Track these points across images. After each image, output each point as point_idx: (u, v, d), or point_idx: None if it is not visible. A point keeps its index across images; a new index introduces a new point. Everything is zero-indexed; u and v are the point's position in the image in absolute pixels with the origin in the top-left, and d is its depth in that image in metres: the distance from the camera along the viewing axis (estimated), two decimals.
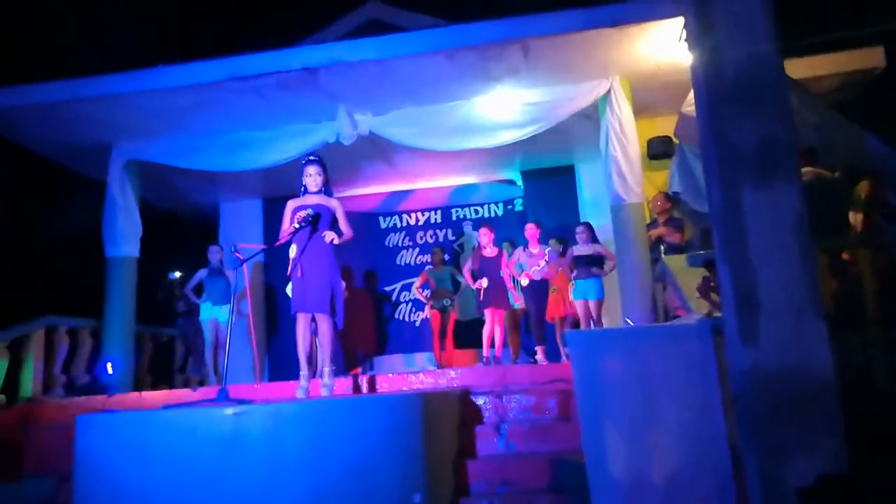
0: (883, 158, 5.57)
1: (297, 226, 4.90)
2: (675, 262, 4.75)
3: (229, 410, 3.71)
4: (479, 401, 4.87)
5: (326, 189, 5.18)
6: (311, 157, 5.24)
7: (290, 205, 5.11)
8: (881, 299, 3.84)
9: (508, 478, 4.16)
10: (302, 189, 5.16)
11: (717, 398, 3.29)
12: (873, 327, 3.76)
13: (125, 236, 7.62)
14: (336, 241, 5.00)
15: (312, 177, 5.11)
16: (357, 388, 5.45)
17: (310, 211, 4.95)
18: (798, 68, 6.80)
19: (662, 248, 6.99)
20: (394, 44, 6.39)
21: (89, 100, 6.90)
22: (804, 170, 4.89)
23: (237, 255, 4.75)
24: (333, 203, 5.13)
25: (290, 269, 5.02)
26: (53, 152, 8.15)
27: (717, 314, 3.52)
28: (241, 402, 4.08)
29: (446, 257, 8.77)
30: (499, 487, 4.13)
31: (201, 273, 7.86)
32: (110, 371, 7.07)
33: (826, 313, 2.97)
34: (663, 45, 6.39)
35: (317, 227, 4.97)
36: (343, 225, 5.13)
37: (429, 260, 9.00)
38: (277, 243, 5.12)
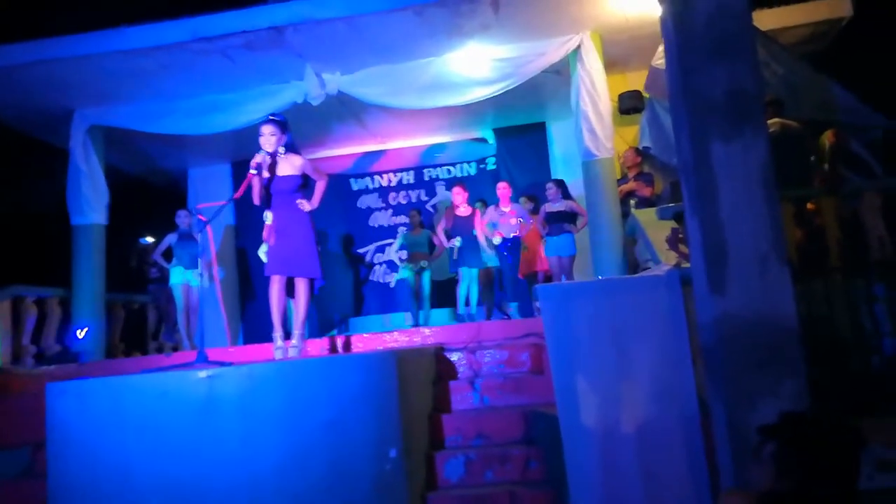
0: (849, 109, 5.63)
1: (253, 171, 4.78)
2: (645, 216, 4.77)
3: (202, 374, 3.70)
4: (454, 357, 4.91)
5: (291, 148, 4.99)
6: (270, 116, 5.07)
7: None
8: (844, 248, 3.91)
9: (483, 431, 4.23)
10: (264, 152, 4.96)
11: (686, 348, 3.35)
12: (836, 275, 3.84)
13: (91, 203, 7.49)
14: (307, 208, 4.89)
15: (266, 136, 4.86)
16: (333, 349, 5.46)
17: (262, 152, 4.80)
18: (767, 19, 6.78)
19: (633, 202, 7.03)
20: (362, 0, 6.25)
21: (48, 62, 6.69)
22: (770, 121, 4.92)
23: (200, 217, 4.68)
24: (297, 162, 4.95)
25: (265, 232, 4.95)
26: (13, 119, 7.92)
27: (686, 265, 3.56)
28: (221, 364, 4.07)
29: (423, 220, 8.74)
30: (474, 440, 4.20)
31: (170, 238, 7.76)
32: (81, 335, 6.99)
33: (791, 263, 3.02)
34: None
35: (272, 171, 4.86)
36: (314, 175, 5.01)
37: (402, 221, 8.94)
38: (236, 196, 5.01)
